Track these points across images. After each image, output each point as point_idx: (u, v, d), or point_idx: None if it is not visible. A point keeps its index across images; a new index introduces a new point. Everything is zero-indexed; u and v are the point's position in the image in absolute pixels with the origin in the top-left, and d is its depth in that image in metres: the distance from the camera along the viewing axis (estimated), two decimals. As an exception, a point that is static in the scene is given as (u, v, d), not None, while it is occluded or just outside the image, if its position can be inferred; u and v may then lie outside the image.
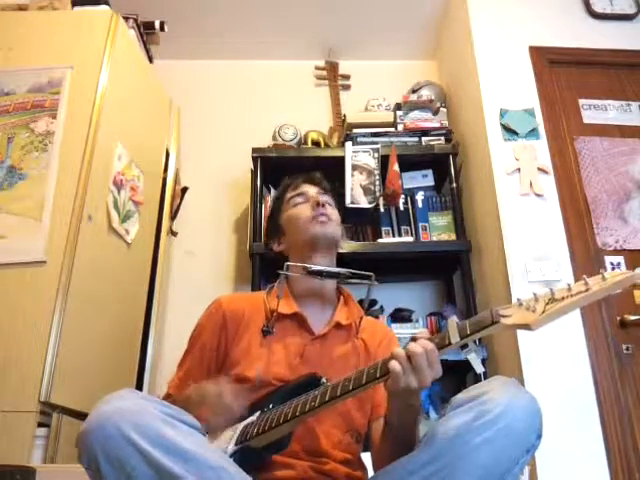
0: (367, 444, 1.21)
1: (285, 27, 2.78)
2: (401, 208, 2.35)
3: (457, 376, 2.14)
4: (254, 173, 2.38)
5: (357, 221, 2.41)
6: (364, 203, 2.31)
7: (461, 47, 2.51)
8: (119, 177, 1.90)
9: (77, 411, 1.56)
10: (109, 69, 1.87)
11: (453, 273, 2.43)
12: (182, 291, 2.47)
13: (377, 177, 2.33)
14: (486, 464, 0.86)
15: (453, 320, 0.88)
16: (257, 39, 2.83)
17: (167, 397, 1.17)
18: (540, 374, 1.80)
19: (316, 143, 2.51)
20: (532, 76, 2.28)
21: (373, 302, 2.27)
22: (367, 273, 1.24)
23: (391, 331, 1.41)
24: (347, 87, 2.89)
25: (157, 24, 2.39)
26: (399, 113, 2.50)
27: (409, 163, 2.41)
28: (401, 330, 2.12)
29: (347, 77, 2.90)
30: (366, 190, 2.32)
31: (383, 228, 2.33)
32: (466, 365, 2.18)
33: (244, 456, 0.95)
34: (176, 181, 2.45)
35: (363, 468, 1.17)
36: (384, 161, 2.33)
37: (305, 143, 2.52)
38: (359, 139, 2.41)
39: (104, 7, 2.03)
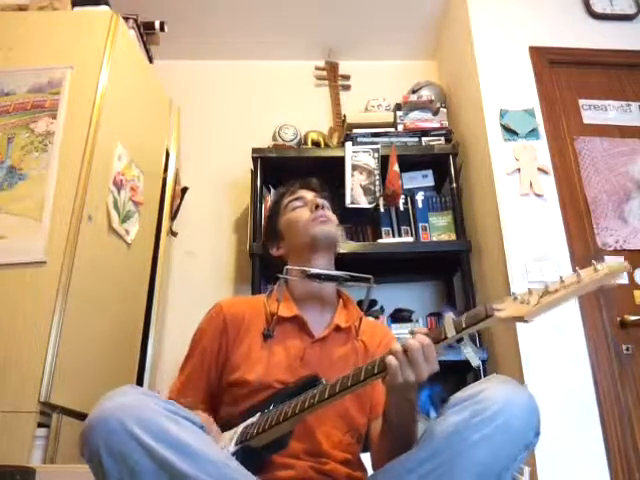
0: (367, 444, 1.21)
1: (285, 27, 2.78)
2: (401, 208, 2.35)
3: (457, 376, 2.14)
4: (254, 173, 2.38)
5: (357, 221, 2.41)
6: (364, 203, 2.31)
7: (461, 47, 2.51)
8: (119, 177, 1.90)
9: (77, 411, 1.56)
10: (109, 69, 1.87)
11: (453, 273, 2.43)
12: (182, 291, 2.47)
13: (377, 177, 2.33)
14: (484, 461, 0.86)
15: (449, 315, 0.90)
16: (257, 39, 2.83)
17: None
18: (540, 374, 1.80)
19: (316, 143, 2.51)
20: (532, 76, 2.28)
21: (373, 302, 2.27)
22: (366, 276, 1.25)
23: (390, 332, 1.42)
24: (347, 87, 2.89)
25: (157, 24, 2.39)
26: (399, 113, 2.50)
27: (409, 163, 2.41)
28: (401, 330, 2.12)
29: (347, 77, 2.90)
30: (366, 190, 2.33)
31: (383, 228, 2.33)
32: (466, 365, 2.18)
33: (244, 456, 0.96)
34: (176, 181, 2.45)
35: (363, 469, 1.17)
36: (384, 161, 2.33)
37: (305, 143, 2.52)
38: (359, 139, 2.41)
39: (104, 7, 2.03)
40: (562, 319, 1.88)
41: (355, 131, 2.45)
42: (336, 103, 2.79)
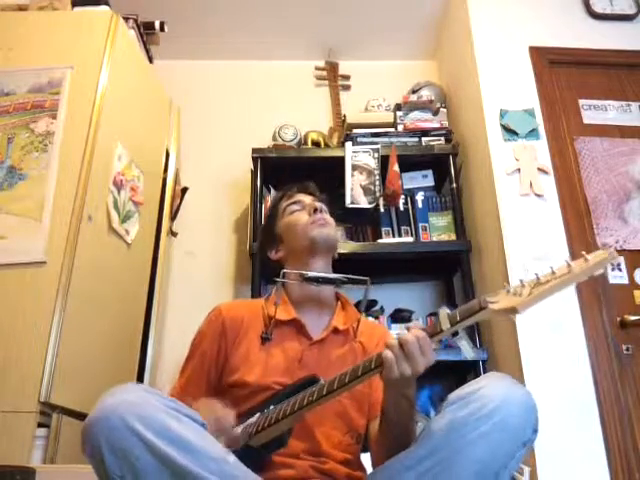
0: (366, 444, 1.22)
1: (285, 27, 2.78)
2: (401, 208, 2.35)
3: (457, 376, 2.14)
4: (254, 173, 2.38)
5: (357, 221, 2.41)
6: (364, 203, 2.31)
7: (461, 47, 2.51)
8: (119, 177, 1.90)
9: (77, 411, 1.56)
10: (109, 69, 1.87)
11: (453, 273, 2.43)
12: (182, 291, 2.47)
13: (377, 177, 2.33)
14: (482, 458, 0.87)
15: (444, 310, 0.91)
16: (257, 39, 2.83)
17: None
18: (540, 374, 1.80)
19: (316, 143, 2.51)
20: (532, 76, 2.28)
21: (373, 303, 2.27)
22: (362, 278, 1.26)
23: (389, 332, 1.43)
24: (347, 87, 2.89)
25: (157, 24, 2.39)
26: (399, 113, 2.50)
27: (409, 163, 2.41)
28: (401, 331, 2.11)
29: (347, 77, 2.90)
30: (366, 190, 2.33)
31: (383, 228, 2.33)
32: (466, 365, 2.18)
33: (244, 455, 0.96)
34: (176, 181, 2.45)
35: (363, 469, 1.17)
36: (384, 161, 2.33)
37: (305, 143, 2.52)
38: (359, 139, 2.41)
39: (104, 7, 2.03)
40: (562, 319, 1.88)
41: (355, 131, 2.45)
42: (336, 103, 2.79)
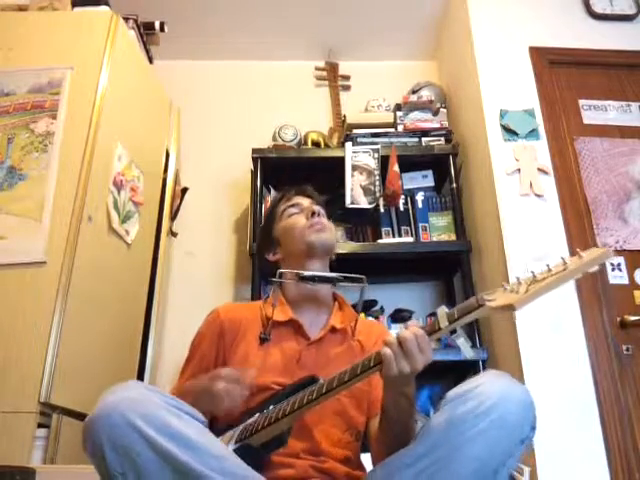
0: (365, 442, 1.22)
1: (285, 27, 2.78)
2: (401, 208, 2.35)
3: (457, 376, 2.14)
4: (254, 174, 2.38)
5: (357, 221, 2.42)
6: (364, 203, 2.31)
7: (461, 47, 2.51)
8: (119, 177, 1.90)
9: (77, 412, 1.56)
10: (109, 70, 1.87)
11: (453, 274, 2.43)
12: (182, 291, 2.47)
13: (377, 177, 2.33)
14: (480, 456, 0.87)
15: (442, 308, 0.92)
16: (257, 39, 2.83)
17: None
18: (540, 374, 1.80)
19: (316, 144, 2.51)
20: (532, 76, 2.28)
21: (373, 303, 2.27)
22: (359, 276, 1.26)
23: (387, 330, 1.43)
24: (347, 88, 2.89)
25: (157, 25, 2.39)
26: (399, 114, 2.50)
27: (409, 163, 2.41)
28: (400, 330, 2.12)
29: (347, 78, 2.90)
30: (366, 190, 2.33)
31: (383, 228, 2.33)
32: (466, 365, 2.18)
33: (244, 454, 0.96)
34: (176, 182, 2.45)
35: (362, 468, 1.18)
36: (384, 161, 2.33)
37: (305, 144, 2.52)
38: (359, 139, 2.41)
39: (104, 8, 2.03)
40: (562, 319, 1.88)
41: (355, 131, 2.45)
42: (336, 103, 2.79)
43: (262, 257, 1.44)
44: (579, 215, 2.07)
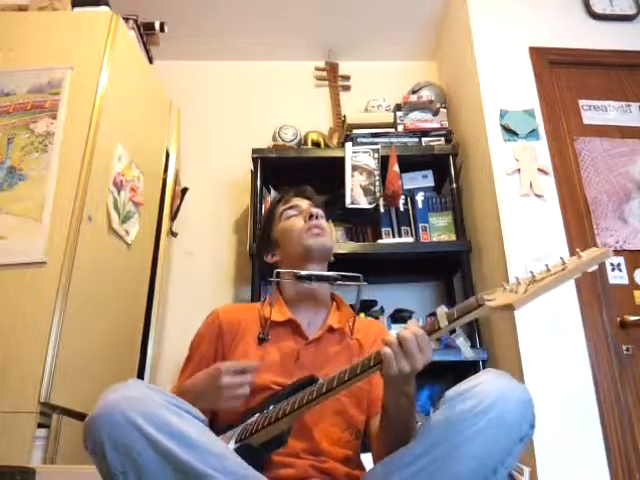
0: (365, 441, 1.22)
1: (285, 28, 2.79)
2: (401, 209, 2.35)
3: (457, 376, 2.14)
4: (254, 174, 2.38)
5: (357, 222, 2.41)
6: (364, 204, 2.31)
7: (461, 47, 2.51)
8: (119, 178, 1.90)
9: (77, 412, 1.56)
10: (109, 70, 1.88)
11: (453, 274, 2.43)
12: (182, 291, 2.47)
13: (377, 178, 2.33)
14: (479, 455, 0.87)
15: (442, 308, 0.93)
16: (257, 40, 2.83)
17: None
18: (540, 375, 1.80)
19: (316, 144, 2.51)
20: (532, 77, 2.28)
21: (373, 303, 2.27)
22: (355, 275, 1.26)
23: (385, 328, 1.44)
24: (347, 88, 2.89)
25: (157, 25, 2.39)
26: (399, 114, 2.50)
27: (409, 164, 2.41)
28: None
29: (347, 78, 2.90)
30: (366, 191, 2.33)
31: (383, 229, 2.33)
32: (466, 365, 2.18)
33: (244, 454, 0.96)
34: (176, 182, 2.45)
35: (362, 468, 1.18)
36: (384, 162, 2.33)
37: (305, 144, 2.52)
38: (359, 140, 2.41)
39: (104, 8, 2.03)
40: (562, 319, 1.88)
41: (355, 131, 2.45)
42: (336, 103, 2.79)
43: (261, 258, 1.44)
44: (579, 215, 2.07)
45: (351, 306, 1.35)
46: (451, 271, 2.42)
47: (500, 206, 2.06)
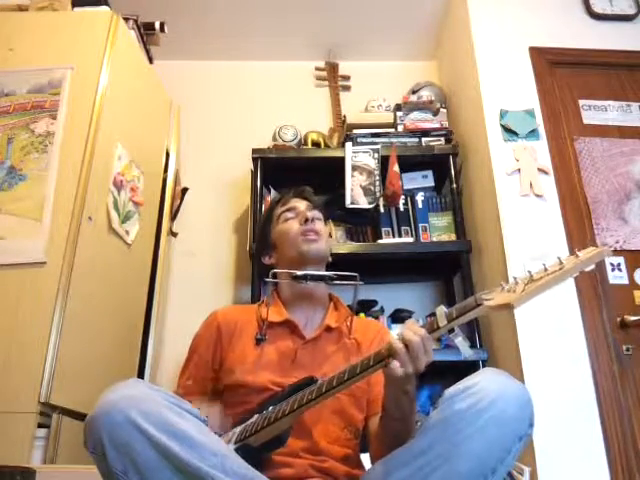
0: (365, 442, 1.22)
1: (285, 28, 2.78)
2: (401, 209, 2.35)
3: (457, 376, 2.14)
4: (254, 174, 2.38)
5: (357, 222, 2.41)
6: (364, 204, 2.31)
7: (461, 47, 2.51)
8: (119, 178, 1.90)
9: (77, 412, 1.56)
10: (109, 70, 1.87)
11: (453, 274, 2.43)
12: (182, 291, 2.47)
13: (377, 178, 2.33)
14: (479, 453, 0.87)
15: (441, 307, 0.94)
16: (257, 39, 2.83)
17: None
18: (540, 375, 1.80)
19: (316, 144, 2.51)
20: (532, 77, 2.28)
21: (373, 303, 2.26)
22: (352, 274, 1.27)
23: (384, 327, 1.45)
24: (347, 88, 2.89)
25: (157, 25, 2.39)
26: (399, 114, 2.50)
27: (409, 164, 2.41)
28: (401, 331, 2.12)
29: (347, 78, 2.90)
30: (366, 191, 2.33)
31: (383, 229, 2.32)
32: (466, 365, 2.18)
33: (244, 455, 0.96)
34: (176, 182, 2.45)
35: (361, 467, 1.18)
36: (384, 162, 2.33)
37: (305, 144, 2.52)
38: (359, 140, 2.41)
39: (104, 8, 2.03)
40: (562, 319, 1.88)
41: (355, 131, 2.45)
42: (336, 103, 2.79)
43: (259, 260, 1.45)
44: (579, 215, 2.07)
45: (349, 306, 1.35)
46: (451, 271, 2.42)
47: (500, 206, 2.06)
